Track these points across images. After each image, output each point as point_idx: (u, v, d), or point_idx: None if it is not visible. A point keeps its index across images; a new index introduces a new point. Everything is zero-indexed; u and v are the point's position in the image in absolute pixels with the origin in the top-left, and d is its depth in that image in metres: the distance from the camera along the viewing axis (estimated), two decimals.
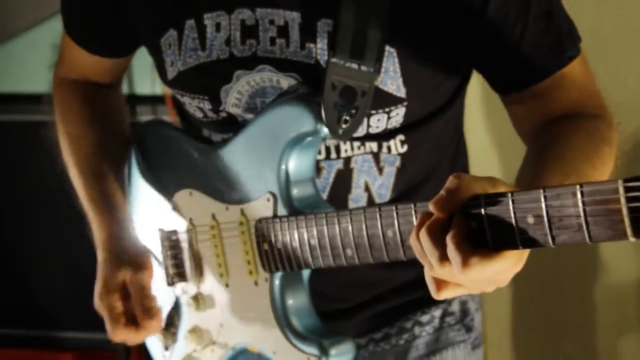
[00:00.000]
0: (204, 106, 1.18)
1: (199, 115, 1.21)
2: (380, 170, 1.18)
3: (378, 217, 0.94)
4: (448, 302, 1.28)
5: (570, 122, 1.09)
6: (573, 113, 1.11)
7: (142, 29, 1.21)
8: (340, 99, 1.05)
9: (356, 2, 1.05)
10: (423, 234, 0.80)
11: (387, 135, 1.16)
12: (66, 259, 2.36)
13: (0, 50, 2.26)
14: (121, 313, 1.19)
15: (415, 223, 0.85)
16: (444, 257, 0.79)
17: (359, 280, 1.23)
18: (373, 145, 1.16)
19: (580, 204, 0.71)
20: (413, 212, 0.89)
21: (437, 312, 1.27)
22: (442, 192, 0.80)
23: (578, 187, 0.71)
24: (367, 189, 1.18)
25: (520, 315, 1.61)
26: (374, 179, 1.18)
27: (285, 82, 1.12)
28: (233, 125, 1.18)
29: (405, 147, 1.18)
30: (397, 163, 1.18)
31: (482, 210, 0.79)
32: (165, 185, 1.25)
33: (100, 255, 1.26)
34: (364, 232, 0.96)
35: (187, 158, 1.22)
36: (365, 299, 1.26)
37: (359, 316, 1.24)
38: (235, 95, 1.15)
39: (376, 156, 1.17)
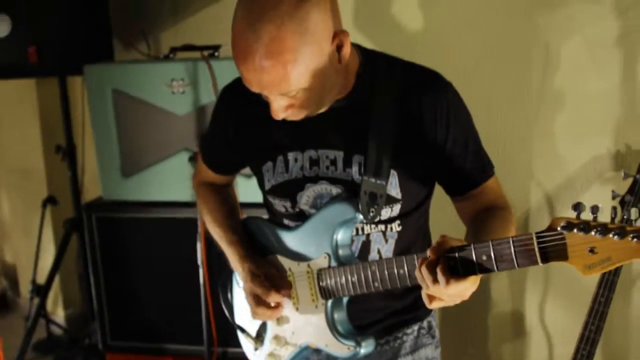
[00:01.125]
0: (286, 204, 1.72)
1: (282, 210, 1.74)
2: (386, 241, 1.70)
3: (394, 263, 1.53)
4: (421, 320, 1.84)
5: (490, 211, 1.66)
6: (491, 207, 1.68)
7: (249, 160, 1.79)
8: (369, 200, 1.60)
9: (375, 148, 1.59)
10: (423, 267, 1.38)
11: (390, 220, 1.68)
12: (171, 297, 2.99)
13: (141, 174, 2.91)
14: (261, 292, 1.69)
15: (417, 264, 1.41)
16: (435, 281, 1.35)
17: (371, 307, 1.75)
18: (382, 227, 1.69)
19: (512, 247, 1.31)
20: (415, 258, 1.48)
21: (416, 327, 1.83)
22: (434, 244, 1.38)
23: (510, 238, 1.31)
24: (378, 252, 1.70)
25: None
26: (382, 246, 1.70)
27: (335, 190, 1.66)
28: (302, 217, 1.71)
29: (400, 227, 1.70)
30: (396, 237, 1.70)
31: (456, 254, 1.37)
32: (261, 250, 1.80)
33: (240, 268, 1.76)
34: (385, 272, 1.55)
35: (273, 236, 1.77)
36: (374, 319, 1.78)
37: (371, 329, 1.74)
38: (305, 198, 1.69)
39: (384, 233, 1.69)
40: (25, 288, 4.24)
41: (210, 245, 2.79)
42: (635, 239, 1.17)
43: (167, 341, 3.06)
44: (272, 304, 1.70)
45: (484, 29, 2.86)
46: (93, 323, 3.46)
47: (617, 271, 2.48)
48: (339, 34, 1.46)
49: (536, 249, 1.28)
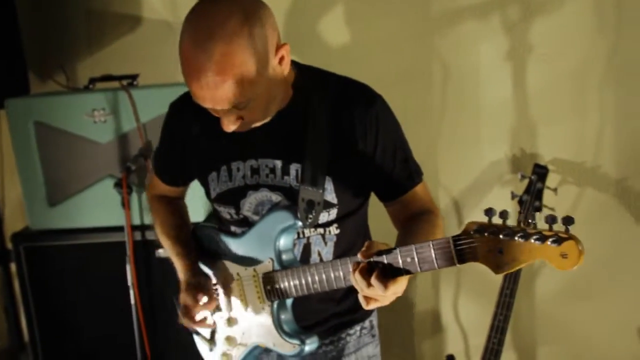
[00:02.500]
0: (231, 211, 1.81)
1: (228, 217, 1.84)
2: (326, 243, 1.79)
3: (330, 266, 1.61)
4: (363, 321, 1.95)
5: (419, 216, 1.76)
6: (421, 212, 1.78)
7: (196, 171, 1.87)
8: (306, 206, 1.69)
9: (311, 156, 1.68)
10: (357, 273, 1.46)
11: (328, 224, 1.77)
12: (105, 322, 3.00)
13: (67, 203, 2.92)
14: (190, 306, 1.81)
15: (350, 268, 1.50)
16: (369, 284, 1.44)
17: (315, 309, 1.86)
18: (321, 230, 1.77)
19: (432, 250, 1.41)
20: (348, 262, 1.58)
21: (358, 327, 1.95)
22: (362, 249, 1.47)
23: (431, 242, 1.42)
24: (319, 254, 1.79)
25: None
26: (322, 248, 1.79)
27: (274, 197, 1.75)
28: (246, 223, 1.80)
29: (339, 230, 1.79)
30: (335, 239, 1.80)
31: (384, 257, 1.47)
32: (210, 256, 1.90)
33: (183, 277, 1.88)
34: (323, 275, 1.63)
35: (222, 242, 1.87)
36: (318, 320, 1.88)
37: (316, 330, 1.83)
38: (247, 205, 1.79)
39: (323, 236, 1.79)
40: None
41: (140, 266, 2.87)
42: (537, 241, 1.25)
43: None
44: (197, 318, 1.82)
45: (393, 51, 3.01)
46: (22, 355, 3.43)
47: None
48: (280, 47, 1.54)
49: (453, 252, 1.38)
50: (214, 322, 1.89)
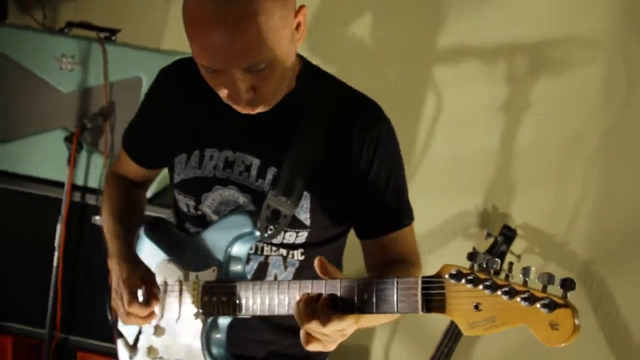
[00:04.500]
0: (190, 203, 1.62)
1: (185, 209, 1.64)
2: (285, 267, 1.60)
3: (277, 286, 1.39)
4: None
5: (397, 265, 1.54)
6: (400, 260, 1.56)
7: (166, 150, 1.65)
8: (270, 216, 1.50)
9: (292, 164, 1.50)
10: (301, 301, 1.29)
11: (293, 246, 1.58)
12: (22, 275, 2.86)
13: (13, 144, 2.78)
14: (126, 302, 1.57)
15: (298, 295, 1.32)
16: (312, 316, 1.25)
17: (257, 338, 1.64)
18: (283, 251, 1.58)
19: (395, 289, 1.20)
20: (297, 287, 1.35)
21: None
22: (317, 262, 1.30)
23: (396, 278, 1.20)
24: (275, 278, 1.59)
25: None
26: (280, 272, 1.59)
27: (242, 199, 1.56)
28: (203, 222, 1.61)
29: (303, 257, 1.59)
30: (297, 265, 1.60)
31: (339, 286, 1.28)
32: (154, 253, 1.69)
33: (115, 268, 1.65)
34: (267, 296, 1.41)
35: (170, 239, 1.70)
36: (257, 355, 1.67)
37: None
38: (210, 200, 1.59)
39: (284, 259, 1.59)
40: None
41: (72, 229, 2.72)
42: (524, 302, 1.04)
43: (8, 319, 2.89)
44: (129, 311, 1.58)
45: (389, 69, 2.93)
46: None
47: None
48: (299, 10, 1.41)
49: (419, 295, 1.17)
50: (140, 329, 1.68)
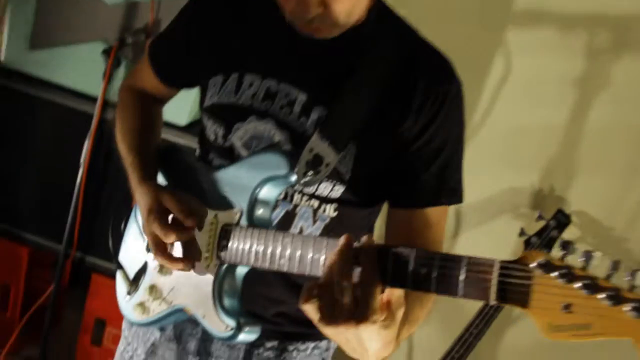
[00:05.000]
0: (218, 132, 1.46)
1: (212, 137, 1.48)
2: (314, 221, 1.43)
3: (312, 242, 1.18)
4: (320, 340, 1.56)
5: None
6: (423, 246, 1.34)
7: (201, 69, 1.51)
8: (311, 161, 1.34)
9: (343, 107, 1.34)
10: (337, 253, 1.04)
11: (327, 200, 1.42)
12: (45, 188, 2.79)
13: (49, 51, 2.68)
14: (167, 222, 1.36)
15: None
16: (345, 275, 1.01)
17: (271, 296, 1.48)
18: (315, 203, 1.42)
19: (463, 269, 0.97)
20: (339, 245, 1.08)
21: (312, 344, 1.55)
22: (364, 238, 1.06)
23: (467, 258, 0.98)
24: (300, 231, 1.43)
25: None
26: (307, 226, 1.43)
27: (278, 136, 1.40)
28: (230, 155, 1.45)
29: (335, 214, 1.43)
30: (327, 221, 1.43)
31: (391, 253, 1.03)
32: (170, 182, 1.53)
33: (137, 195, 1.45)
34: (298, 250, 1.20)
35: (187, 170, 1.53)
36: (268, 314, 1.49)
37: (263, 323, 1.39)
38: (241, 132, 1.43)
39: (315, 211, 1.42)
40: None
41: (101, 148, 2.60)
42: (634, 312, 0.86)
43: (27, 230, 2.84)
44: (169, 249, 1.39)
45: (460, 25, 2.73)
46: None
47: (499, 307, 2.40)
48: None
49: (494, 281, 0.96)
50: (145, 263, 1.49)
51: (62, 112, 2.66)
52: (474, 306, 2.49)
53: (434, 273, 1.00)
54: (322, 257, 1.15)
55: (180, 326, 1.53)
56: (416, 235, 1.39)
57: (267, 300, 1.49)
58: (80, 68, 2.64)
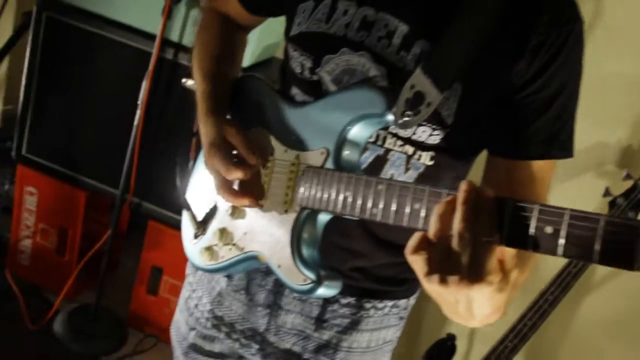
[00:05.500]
0: (305, 63, 1.32)
1: (298, 70, 1.34)
2: (407, 170, 1.29)
3: (411, 190, 1.03)
4: (399, 299, 1.45)
5: None
6: None
7: None
8: (412, 99, 1.18)
9: (449, 42, 1.18)
10: (465, 202, 0.88)
11: (423, 146, 1.27)
12: (102, 130, 2.73)
13: None
14: (230, 157, 1.29)
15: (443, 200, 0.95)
16: (467, 229, 0.87)
17: (353, 249, 1.36)
18: (410, 149, 1.28)
19: (600, 228, 0.81)
20: (443, 194, 0.98)
21: (390, 303, 1.44)
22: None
23: (603, 216, 0.82)
24: (391, 178, 1.25)
25: None
26: (399, 173, 1.29)
27: (373, 71, 1.25)
28: (316, 91, 1.31)
29: (432, 163, 1.29)
30: (421, 170, 1.29)
31: (511, 206, 0.88)
32: (246, 118, 1.38)
33: (202, 127, 1.36)
34: (395, 198, 1.05)
35: (270, 108, 1.37)
36: (346, 268, 1.37)
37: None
38: (332, 65, 1.29)
39: (409, 158, 1.28)
40: None
41: (159, 88, 2.49)
42: None
43: (84, 174, 2.78)
44: (235, 186, 1.31)
45: None
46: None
47: (577, 274, 2.22)
48: None
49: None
50: (250, 200, 1.31)
51: (120, 50, 2.56)
52: (548, 271, 2.32)
53: (563, 231, 0.84)
54: (423, 208, 1.00)
55: (249, 276, 1.44)
56: (518, 190, 1.23)
57: (345, 253, 1.37)
58: (138, 4, 2.52)
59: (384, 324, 1.46)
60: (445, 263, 0.89)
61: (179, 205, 1.50)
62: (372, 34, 1.25)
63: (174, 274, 2.78)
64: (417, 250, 0.91)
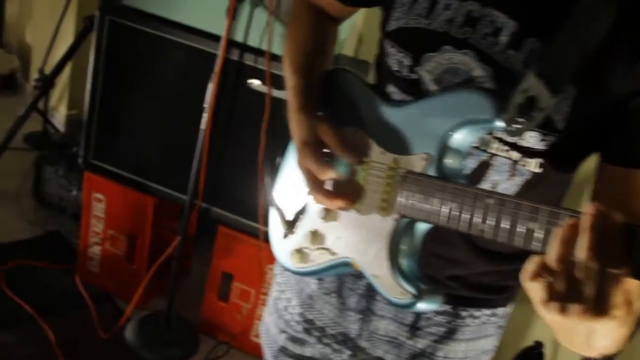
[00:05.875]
0: (404, 61, 1.23)
1: (395, 67, 1.25)
2: (512, 176, 1.20)
3: (527, 208, 0.94)
4: (496, 307, 1.36)
5: None
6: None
7: None
8: (524, 104, 1.07)
9: (564, 40, 1.06)
10: (591, 229, 0.79)
11: (530, 152, 1.18)
12: (168, 134, 2.67)
13: None
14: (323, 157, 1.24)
15: (561, 224, 0.86)
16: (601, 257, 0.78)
17: (449, 256, 1.28)
18: (515, 155, 1.18)
19: None
20: (566, 217, 0.88)
21: (488, 312, 1.36)
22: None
23: None
24: (493, 186, 1.21)
25: None
26: (502, 180, 1.20)
27: (478, 71, 1.16)
28: (415, 89, 1.22)
29: (540, 170, 1.19)
30: (527, 177, 1.20)
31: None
32: (339, 115, 1.30)
33: (293, 125, 1.30)
34: (508, 217, 0.97)
35: (364, 105, 1.28)
36: (445, 274, 1.30)
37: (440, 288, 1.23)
38: (433, 64, 1.20)
39: (514, 164, 1.19)
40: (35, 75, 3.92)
41: (226, 90, 2.42)
42: None
43: (152, 179, 2.73)
44: (327, 187, 1.25)
45: None
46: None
47: None
48: None
49: None
50: (344, 202, 1.24)
51: (183, 52, 2.49)
52: None
53: None
54: (540, 230, 0.92)
55: (340, 278, 1.39)
56: (634, 202, 1.11)
57: (442, 261, 1.28)
58: (201, 5, 2.46)
59: (481, 334, 1.37)
60: (567, 293, 0.80)
61: (252, 210, 1.43)
62: (477, 30, 1.14)
63: (245, 279, 2.72)
64: (535, 276, 0.83)
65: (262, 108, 2.38)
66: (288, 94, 1.34)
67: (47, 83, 3.49)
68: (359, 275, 1.28)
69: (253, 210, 2.49)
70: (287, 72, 1.37)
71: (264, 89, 2.39)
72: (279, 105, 2.39)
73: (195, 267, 3.18)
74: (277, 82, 2.36)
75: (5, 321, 2.73)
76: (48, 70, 3.60)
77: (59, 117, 4.16)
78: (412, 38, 1.22)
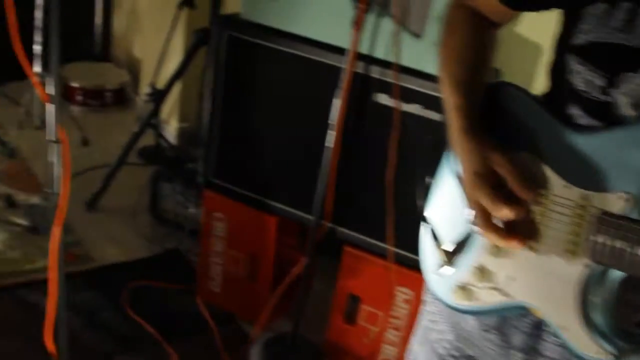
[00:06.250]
0: (595, 81, 1.09)
1: (582, 87, 1.10)
2: None
3: None
4: None
5: None
6: None
7: None
8: None
9: None
10: None
11: None
12: (290, 150, 2.58)
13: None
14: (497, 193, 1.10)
15: None
16: None
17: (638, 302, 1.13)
18: None
19: None
20: None
21: None
22: None
23: None
24: None
25: None
26: None
27: None
28: (607, 114, 1.09)
29: None
30: None
31: None
32: (508, 138, 1.17)
33: (457, 148, 1.19)
34: None
35: (539, 128, 1.14)
36: (634, 321, 1.11)
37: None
38: (632, 85, 1.05)
39: None
40: (145, 89, 3.93)
41: (352, 105, 2.30)
42: None
43: (273, 198, 2.64)
44: (499, 223, 1.12)
45: None
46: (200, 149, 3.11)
47: None
48: None
49: None
50: (520, 242, 1.12)
51: (308, 67, 2.39)
52: None
53: None
54: None
55: (502, 315, 1.25)
56: None
57: (631, 308, 1.12)
58: (322, 17, 2.34)
59: None
60: None
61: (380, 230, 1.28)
62: None
63: (373, 302, 2.59)
64: None
65: (390, 123, 2.26)
66: (449, 113, 1.22)
67: (160, 97, 3.47)
68: (524, 313, 1.17)
69: (380, 230, 2.37)
70: (446, 87, 1.25)
71: (392, 102, 2.26)
72: (409, 120, 2.28)
73: (316, 285, 3.09)
74: (406, 95, 2.23)
75: (131, 344, 2.70)
76: (159, 84, 3.59)
77: (171, 129, 4.16)
78: (607, 55, 1.07)
